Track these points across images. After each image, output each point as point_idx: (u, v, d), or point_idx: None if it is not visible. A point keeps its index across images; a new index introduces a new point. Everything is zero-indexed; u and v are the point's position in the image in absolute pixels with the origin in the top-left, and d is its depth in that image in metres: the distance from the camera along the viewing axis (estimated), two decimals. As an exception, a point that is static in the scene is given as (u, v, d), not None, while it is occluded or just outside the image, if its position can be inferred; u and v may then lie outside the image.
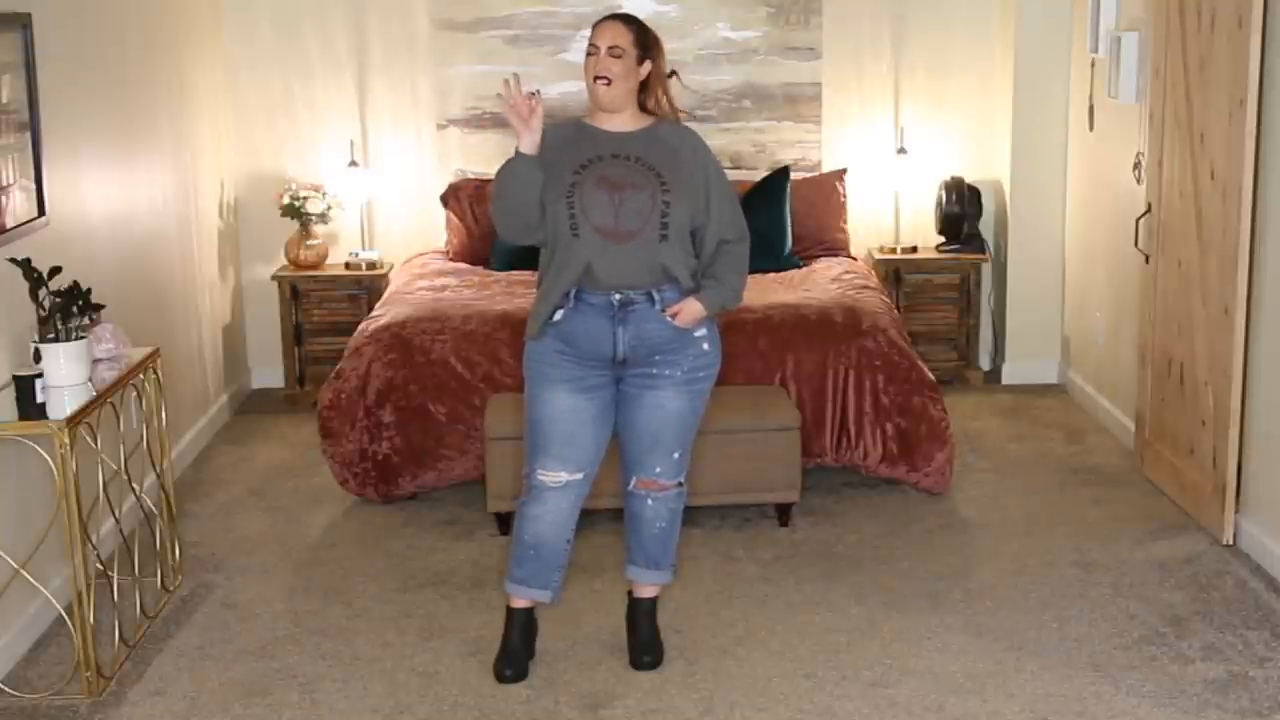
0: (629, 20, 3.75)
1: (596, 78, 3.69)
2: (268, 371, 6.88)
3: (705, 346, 3.79)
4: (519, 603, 3.93)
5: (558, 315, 3.72)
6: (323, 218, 6.60)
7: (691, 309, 3.72)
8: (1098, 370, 6.30)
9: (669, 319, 3.71)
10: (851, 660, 3.98)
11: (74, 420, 3.74)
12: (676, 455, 3.86)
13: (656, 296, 3.71)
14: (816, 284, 5.86)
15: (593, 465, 3.83)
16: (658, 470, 3.85)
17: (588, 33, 3.80)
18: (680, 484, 3.92)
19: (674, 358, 3.76)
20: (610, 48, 3.68)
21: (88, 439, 3.91)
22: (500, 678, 3.87)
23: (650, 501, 3.90)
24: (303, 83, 6.79)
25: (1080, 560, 4.67)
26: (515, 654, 3.91)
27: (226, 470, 5.74)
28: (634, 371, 3.77)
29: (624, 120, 3.75)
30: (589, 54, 3.71)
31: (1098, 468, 5.63)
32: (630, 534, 3.97)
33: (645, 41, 3.74)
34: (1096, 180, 6.24)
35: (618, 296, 3.69)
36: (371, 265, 6.63)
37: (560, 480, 3.79)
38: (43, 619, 4.14)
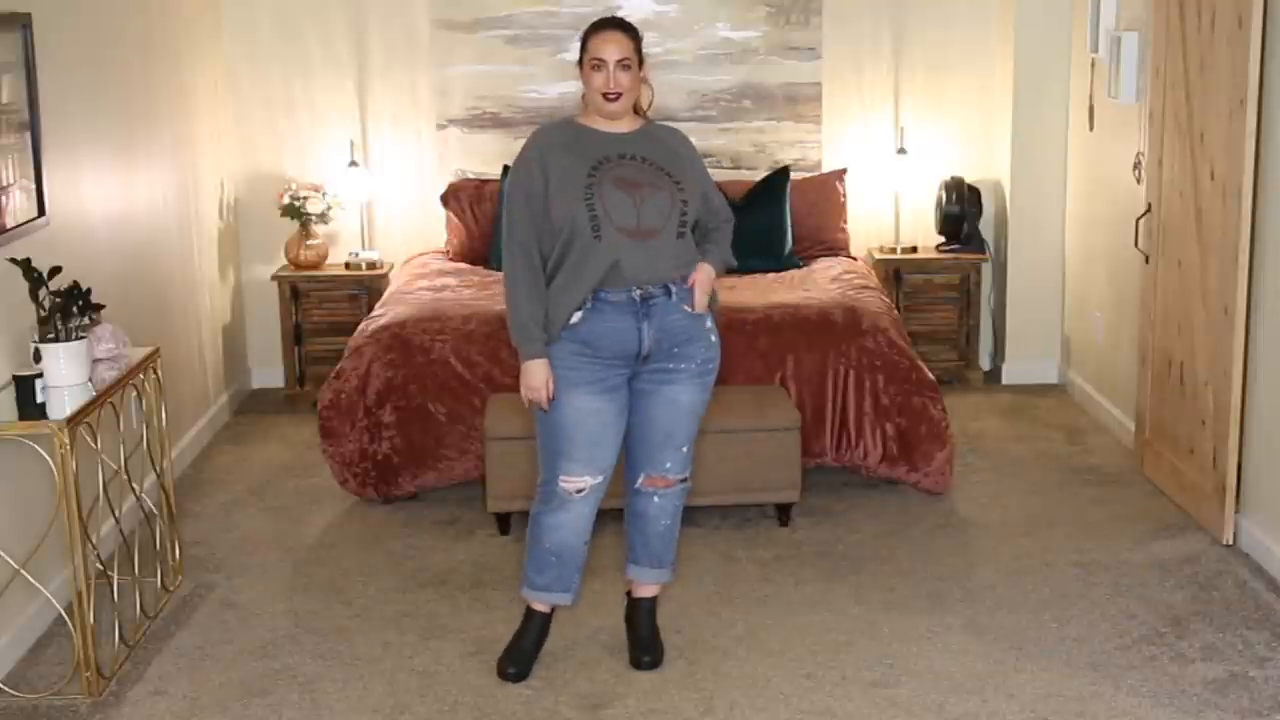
0: (626, 28, 3.72)
1: (607, 94, 3.66)
2: (268, 371, 6.88)
3: (713, 338, 3.83)
4: (540, 607, 3.93)
5: (575, 318, 3.69)
6: (323, 218, 6.60)
7: (705, 272, 3.76)
8: (1098, 370, 6.30)
9: (687, 292, 3.73)
10: (851, 660, 3.98)
11: (74, 420, 3.74)
12: (685, 450, 3.87)
13: (674, 290, 3.72)
14: (816, 284, 5.86)
15: (612, 466, 3.82)
16: (668, 465, 3.85)
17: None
18: (685, 479, 3.92)
19: (689, 350, 3.76)
20: (619, 60, 3.65)
21: (88, 439, 3.91)
22: (503, 675, 3.87)
23: (657, 499, 3.90)
24: (303, 83, 6.79)
25: (1080, 560, 4.67)
26: (523, 654, 3.91)
27: (226, 470, 5.74)
28: (651, 367, 3.76)
29: (620, 122, 3.75)
30: (594, 68, 3.66)
31: (1098, 468, 5.63)
32: (633, 533, 3.97)
33: (640, 46, 3.73)
34: (1096, 180, 6.24)
35: (639, 292, 3.68)
36: (371, 265, 6.64)
37: (585, 486, 3.77)
38: (43, 619, 4.15)
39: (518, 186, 3.72)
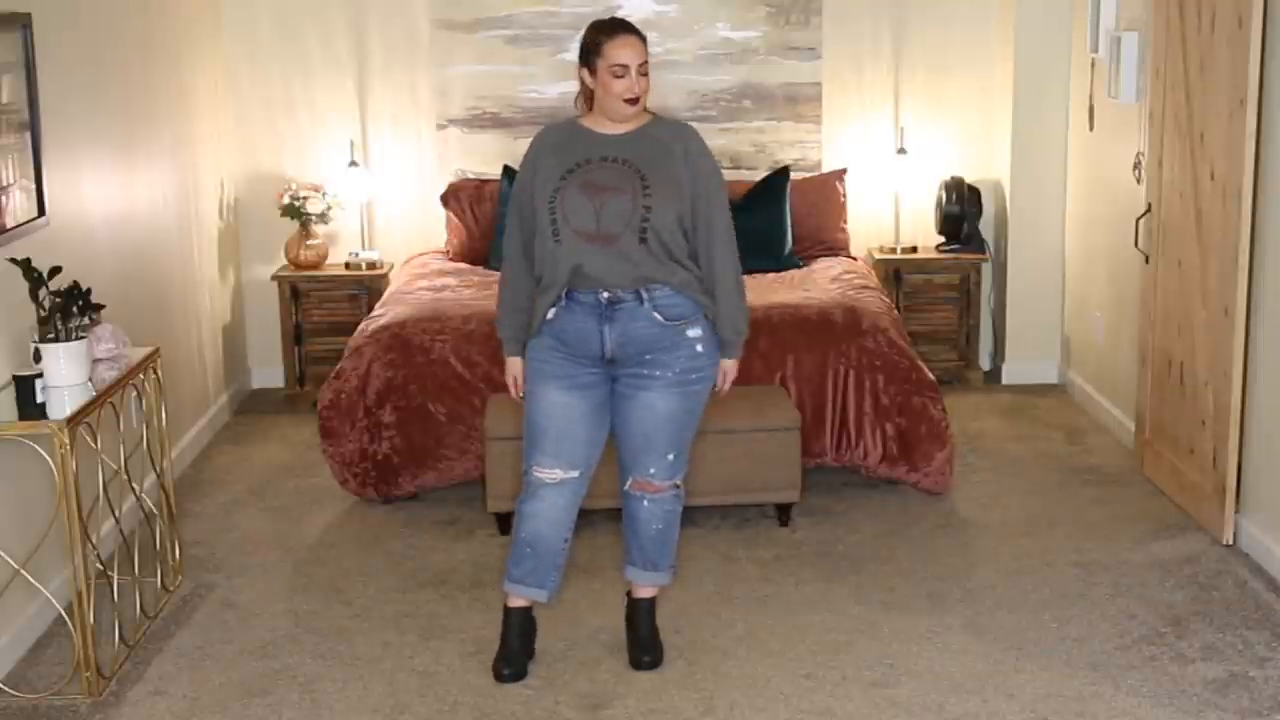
0: (636, 30, 3.73)
1: (628, 99, 3.67)
2: (268, 371, 6.88)
3: (699, 348, 3.79)
4: (516, 602, 3.93)
5: (551, 313, 3.75)
6: (323, 218, 6.60)
7: (731, 373, 3.89)
8: (1098, 370, 6.30)
9: (668, 300, 3.71)
10: (851, 660, 3.98)
11: (74, 420, 3.74)
12: (670, 457, 3.85)
13: (645, 296, 3.71)
14: (816, 284, 5.86)
15: (588, 463, 3.83)
16: (651, 471, 3.85)
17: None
18: (677, 486, 3.91)
19: (665, 358, 3.76)
20: (640, 65, 3.67)
21: (88, 439, 3.91)
22: (499, 677, 3.88)
23: (646, 503, 3.90)
24: (303, 83, 6.79)
25: (1080, 560, 4.67)
26: (514, 654, 3.91)
27: (226, 470, 5.74)
28: (626, 371, 3.78)
29: (625, 123, 3.75)
30: (617, 75, 3.65)
31: (1098, 468, 5.63)
32: (628, 535, 3.97)
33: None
34: (1096, 180, 6.24)
35: (605, 295, 3.70)
36: (371, 265, 6.64)
37: (556, 477, 3.80)
38: (43, 619, 4.15)
39: (515, 191, 3.83)
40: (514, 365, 3.91)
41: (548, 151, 3.74)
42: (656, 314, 3.72)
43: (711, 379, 3.86)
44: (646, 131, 3.76)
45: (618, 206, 3.65)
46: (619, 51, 3.66)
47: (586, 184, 3.67)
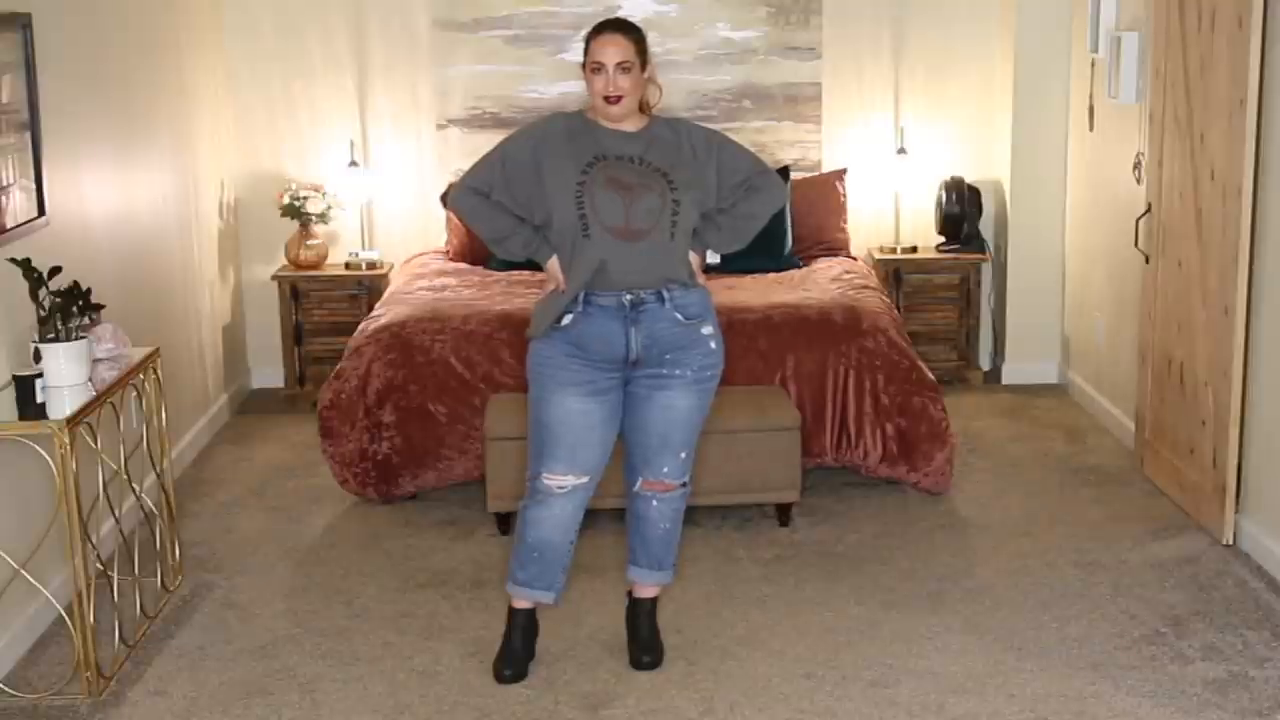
0: (627, 29, 3.73)
1: (608, 98, 3.67)
2: (268, 371, 6.88)
3: (712, 345, 3.81)
4: (521, 604, 3.93)
5: (566, 319, 3.72)
6: (323, 218, 6.61)
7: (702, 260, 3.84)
8: (1098, 370, 6.30)
9: (684, 298, 3.73)
10: (851, 660, 3.98)
11: (74, 420, 3.74)
12: (683, 455, 3.86)
13: (666, 295, 3.72)
14: (816, 284, 5.86)
15: (599, 468, 3.82)
16: (665, 471, 3.85)
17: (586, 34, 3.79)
18: (684, 484, 3.92)
19: (683, 357, 3.76)
20: (619, 64, 3.66)
21: (88, 439, 3.91)
22: (499, 678, 3.87)
23: (656, 503, 3.90)
24: (303, 83, 6.79)
25: (1080, 560, 4.67)
26: (515, 654, 3.91)
27: (226, 470, 5.74)
28: (644, 372, 3.77)
29: (626, 122, 3.75)
30: (595, 71, 3.67)
31: (1098, 468, 5.63)
32: (634, 535, 3.97)
33: (643, 47, 3.73)
34: (1096, 180, 6.24)
35: (629, 296, 3.69)
36: (371, 265, 6.64)
37: (567, 485, 3.78)
38: (43, 619, 4.15)
39: (506, 148, 3.81)
40: (553, 264, 3.73)
41: (559, 141, 3.72)
42: (677, 314, 3.73)
43: (720, 375, 3.86)
44: (652, 130, 3.77)
45: (648, 204, 3.65)
46: (598, 49, 3.67)
47: (612, 180, 3.66)
